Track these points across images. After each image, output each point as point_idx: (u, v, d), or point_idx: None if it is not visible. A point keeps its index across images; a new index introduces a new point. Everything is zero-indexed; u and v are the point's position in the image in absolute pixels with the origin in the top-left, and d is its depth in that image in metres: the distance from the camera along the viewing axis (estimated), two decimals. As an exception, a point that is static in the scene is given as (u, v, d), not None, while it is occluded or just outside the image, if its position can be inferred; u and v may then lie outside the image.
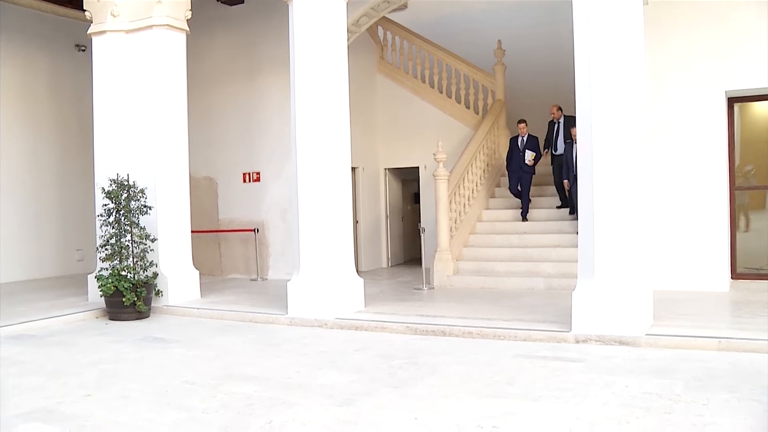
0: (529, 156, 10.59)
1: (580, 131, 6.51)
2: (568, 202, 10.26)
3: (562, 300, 7.90)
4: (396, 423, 4.16)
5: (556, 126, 10.77)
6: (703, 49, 8.45)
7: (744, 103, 9.01)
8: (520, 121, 10.92)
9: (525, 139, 10.77)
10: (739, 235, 9.10)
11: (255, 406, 4.57)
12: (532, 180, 10.71)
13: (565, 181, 10.10)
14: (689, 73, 8.51)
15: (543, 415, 4.21)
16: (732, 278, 8.79)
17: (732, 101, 8.84)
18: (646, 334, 6.10)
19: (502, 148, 12.12)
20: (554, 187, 10.76)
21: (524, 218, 10.63)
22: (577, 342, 6.22)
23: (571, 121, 10.00)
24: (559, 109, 10.72)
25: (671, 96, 8.55)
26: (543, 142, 10.95)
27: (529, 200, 10.66)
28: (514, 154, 10.79)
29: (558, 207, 10.60)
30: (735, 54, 8.29)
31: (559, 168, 10.43)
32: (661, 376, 5.01)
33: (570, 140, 9.89)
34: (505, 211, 11.00)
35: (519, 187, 10.66)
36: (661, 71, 8.39)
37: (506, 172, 11.17)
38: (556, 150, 10.68)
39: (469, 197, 10.88)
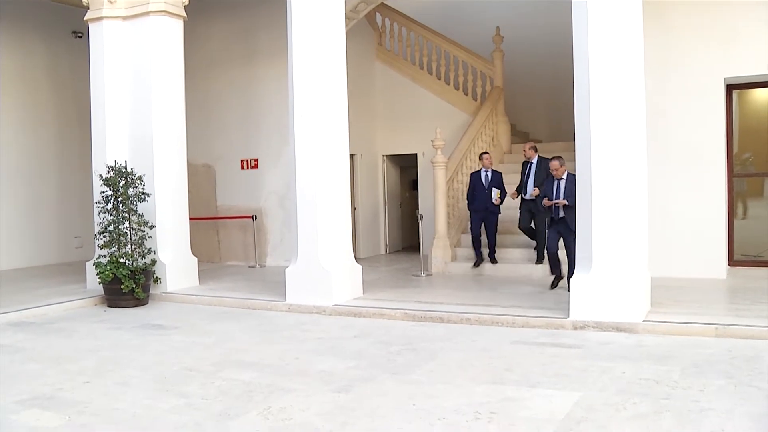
0: (495, 194, 9.46)
1: (577, 118, 6.45)
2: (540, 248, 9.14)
3: (560, 286, 7.96)
4: (394, 409, 4.18)
5: (528, 167, 9.31)
6: (702, 36, 8.40)
7: (743, 91, 8.99)
8: (482, 153, 9.86)
9: (489, 174, 9.59)
10: (736, 223, 9.12)
11: (253, 393, 4.59)
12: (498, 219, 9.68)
13: (545, 199, 7.96)
14: (688, 60, 8.46)
15: (541, 401, 4.23)
16: (729, 265, 8.81)
17: (731, 88, 8.81)
18: (644, 321, 6.13)
19: (501, 135, 12.12)
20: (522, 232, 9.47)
21: (493, 260, 9.59)
22: (575, 328, 6.24)
23: (545, 164, 8.79)
24: (533, 148, 9.34)
25: (670, 83, 8.50)
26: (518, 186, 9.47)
27: (495, 243, 9.63)
28: (478, 191, 9.59)
29: (537, 262, 9.31)
30: (734, 41, 8.24)
31: (528, 213, 9.19)
32: (658, 363, 5.04)
33: (550, 177, 8.06)
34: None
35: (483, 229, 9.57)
36: (660, 58, 8.34)
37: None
38: (525, 194, 9.23)
39: (467, 184, 10.86)
